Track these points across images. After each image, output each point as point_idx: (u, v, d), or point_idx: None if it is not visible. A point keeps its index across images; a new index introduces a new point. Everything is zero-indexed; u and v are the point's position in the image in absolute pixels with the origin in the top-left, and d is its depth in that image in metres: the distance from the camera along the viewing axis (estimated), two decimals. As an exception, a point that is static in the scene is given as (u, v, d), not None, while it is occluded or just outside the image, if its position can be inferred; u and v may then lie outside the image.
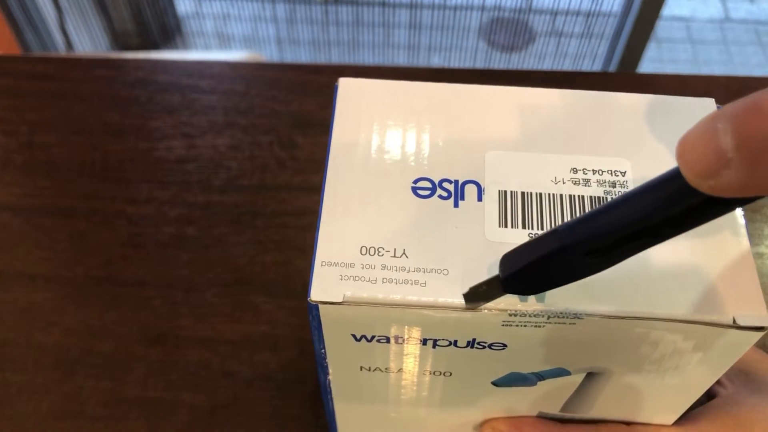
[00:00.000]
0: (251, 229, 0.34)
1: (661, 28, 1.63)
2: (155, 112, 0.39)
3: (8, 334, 0.31)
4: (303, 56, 1.50)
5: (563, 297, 0.16)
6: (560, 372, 0.18)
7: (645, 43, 1.00)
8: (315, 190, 0.35)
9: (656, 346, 0.17)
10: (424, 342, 0.17)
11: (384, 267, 0.16)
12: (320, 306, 0.16)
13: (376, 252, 0.17)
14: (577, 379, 0.19)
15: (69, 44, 1.28)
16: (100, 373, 0.30)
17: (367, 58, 1.50)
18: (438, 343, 0.17)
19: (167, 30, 1.46)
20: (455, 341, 0.17)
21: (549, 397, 0.20)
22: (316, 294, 0.16)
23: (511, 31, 1.43)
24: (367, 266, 0.17)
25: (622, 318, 0.16)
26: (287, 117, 0.38)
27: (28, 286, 0.32)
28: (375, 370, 0.19)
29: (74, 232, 0.34)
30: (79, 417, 0.29)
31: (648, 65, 1.51)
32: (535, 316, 0.16)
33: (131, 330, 0.31)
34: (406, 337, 0.17)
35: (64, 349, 0.30)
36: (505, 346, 0.17)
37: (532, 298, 0.16)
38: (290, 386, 0.29)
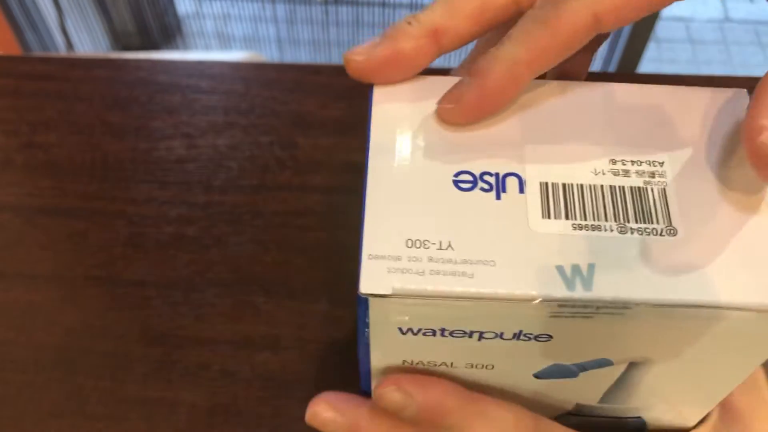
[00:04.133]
0: (251, 229, 0.34)
1: (661, 28, 1.63)
2: (155, 112, 0.39)
3: (8, 334, 0.31)
4: (303, 56, 1.50)
5: (613, 286, 0.16)
6: (603, 363, 0.18)
7: (645, 43, 1.00)
8: (315, 190, 0.35)
9: (701, 335, 0.17)
10: (470, 335, 0.17)
11: (430, 259, 0.17)
12: (370, 299, 0.16)
13: (422, 245, 0.17)
14: (619, 368, 0.19)
15: (69, 44, 1.28)
16: (100, 373, 0.30)
17: (367, 59, 1.49)
18: (484, 335, 0.17)
19: (167, 30, 1.46)
20: (501, 333, 0.17)
21: (588, 388, 0.20)
22: (365, 287, 0.16)
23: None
24: (414, 259, 0.17)
25: (673, 306, 0.16)
26: (287, 117, 0.38)
27: (28, 285, 0.32)
28: (418, 363, 0.19)
29: (74, 232, 0.34)
30: (79, 416, 0.29)
31: (648, 65, 1.51)
32: (584, 306, 0.16)
33: (131, 330, 0.31)
34: (452, 329, 0.17)
35: (64, 348, 0.30)
36: (550, 337, 0.17)
37: (579, 287, 0.16)
38: (290, 386, 0.29)
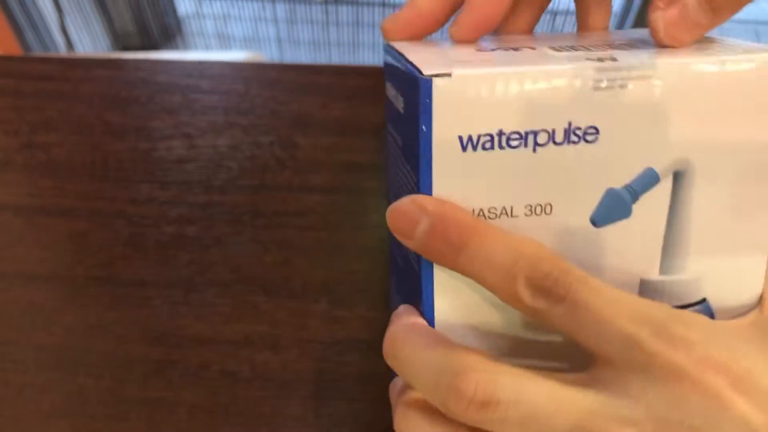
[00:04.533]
0: (251, 229, 0.34)
1: (661, 28, 1.62)
2: (156, 113, 0.39)
3: (9, 334, 0.31)
4: (303, 56, 1.50)
5: (636, 58, 0.18)
6: (650, 177, 0.18)
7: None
8: (315, 190, 0.35)
9: (731, 101, 0.18)
10: (525, 140, 0.17)
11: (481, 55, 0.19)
12: (434, 80, 0.16)
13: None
14: (667, 190, 0.19)
15: (69, 45, 1.28)
16: (100, 373, 0.30)
17: (367, 59, 1.50)
18: (538, 139, 0.17)
19: (168, 30, 1.46)
20: (553, 132, 0.17)
21: (646, 240, 0.19)
22: (427, 70, 0.17)
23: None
24: (464, 61, 0.18)
25: (700, 63, 0.17)
26: (287, 117, 0.38)
27: (28, 285, 0.32)
28: (479, 212, 0.18)
29: (75, 232, 0.34)
30: (79, 416, 0.29)
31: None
32: (617, 70, 0.17)
33: (131, 330, 0.31)
34: (508, 131, 0.17)
35: (65, 348, 0.30)
36: (597, 132, 0.18)
37: (609, 62, 0.17)
38: (290, 386, 0.29)
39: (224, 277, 0.32)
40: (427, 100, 0.17)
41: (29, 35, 1.17)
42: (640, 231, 0.19)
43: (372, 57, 1.50)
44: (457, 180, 0.18)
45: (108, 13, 1.34)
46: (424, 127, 0.17)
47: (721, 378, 0.16)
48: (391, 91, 0.21)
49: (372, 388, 0.29)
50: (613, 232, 0.19)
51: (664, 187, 0.19)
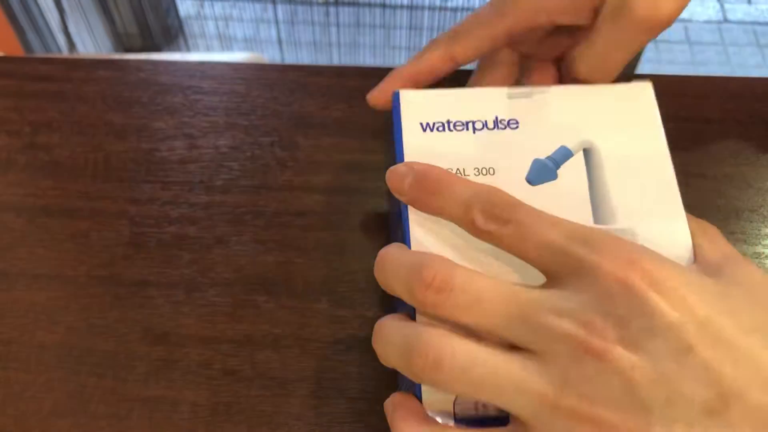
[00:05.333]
0: (252, 229, 0.34)
1: (661, 29, 1.62)
2: (157, 113, 0.39)
3: (11, 333, 0.31)
4: (304, 57, 1.51)
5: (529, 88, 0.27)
6: (564, 151, 0.25)
7: (645, 44, 0.99)
8: (316, 190, 0.36)
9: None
10: (466, 126, 0.25)
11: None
12: (401, 91, 0.26)
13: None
14: (580, 160, 0.25)
15: (71, 45, 1.28)
16: (102, 372, 0.30)
17: (368, 60, 1.50)
18: (475, 125, 0.26)
19: (169, 32, 1.46)
20: (485, 122, 0.26)
21: (575, 200, 0.24)
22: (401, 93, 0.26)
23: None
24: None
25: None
26: (288, 118, 0.39)
27: (30, 285, 0.32)
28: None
29: (77, 231, 0.34)
30: (81, 415, 0.29)
31: (646, 66, 1.51)
32: (522, 91, 0.26)
33: (133, 329, 0.31)
34: (454, 120, 0.26)
35: (67, 348, 0.31)
36: (517, 123, 0.26)
37: (517, 90, 0.26)
38: (291, 385, 0.29)
39: (225, 277, 0.33)
40: (397, 103, 0.26)
41: (31, 36, 1.18)
42: (569, 191, 0.24)
43: (372, 58, 1.50)
44: (422, 151, 0.25)
45: (110, 14, 1.34)
46: (396, 118, 0.26)
47: (637, 274, 0.19)
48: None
49: (372, 387, 0.29)
50: (547, 189, 0.24)
51: (580, 159, 0.25)
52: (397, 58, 1.49)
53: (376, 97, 0.30)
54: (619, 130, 0.25)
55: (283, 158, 0.37)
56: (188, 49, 1.50)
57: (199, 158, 0.37)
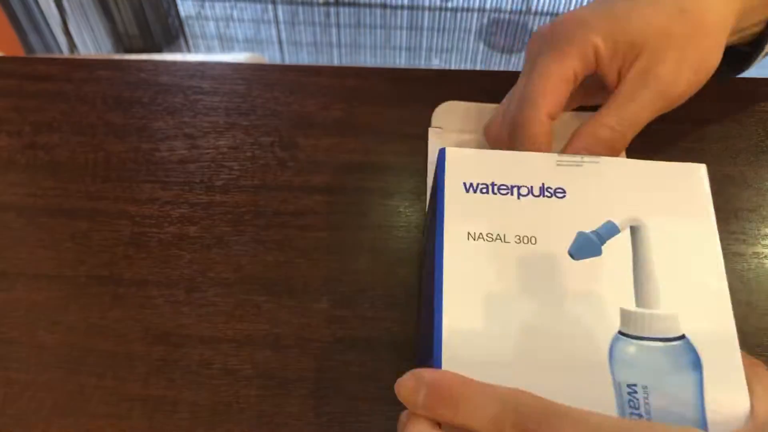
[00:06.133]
0: (252, 229, 0.34)
1: (662, 29, 1.62)
2: (157, 113, 0.39)
3: (12, 333, 0.31)
4: (304, 58, 1.51)
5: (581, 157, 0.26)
6: (611, 227, 0.24)
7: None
8: (316, 190, 0.36)
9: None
10: (511, 190, 0.25)
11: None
12: (447, 150, 0.25)
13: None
14: (627, 238, 0.24)
15: (72, 46, 1.28)
16: (102, 372, 0.30)
17: (368, 60, 1.50)
18: (521, 191, 0.25)
19: (170, 32, 1.46)
20: (531, 188, 0.25)
21: (618, 275, 0.23)
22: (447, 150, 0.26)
23: (510, 32, 1.43)
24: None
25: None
26: (288, 118, 0.39)
27: (31, 285, 0.32)
28: (478, 236, 0.24)
29: (77, 231, 0.34)
30: (81, 415, 0.29)
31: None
32: (572, 159, 0.25)
33: (134, 329, 0.31)
34: (498, 183, 0.25)
35: (67, 347, 0.31)
36: (564, 191, 0.25)
37: (566, 157, 0.25)
38: (291, 384, 0.29)
39: (225, 277, 0.33)
40: (443, 160, 0.25)
41: (32, 36, 1.18)
42: (613, 268, 0.23)
43: (372, 58, 1.50)
44: (463, 211, 0.24)
45: (110, 14, 1.34)
46: (440, 176, 0.25)
47: None
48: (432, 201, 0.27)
49: (372, 387, 0.29)
50: (589, 264, 0.23)
51: (626, 236, 0.24)
52: (397, 59, 1.49)
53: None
54: (669, 211, 0.24)
55: (283, 158, 0.37)
56: (189, 50, 1.50)
57: (199, 158, 0.37)
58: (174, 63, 0.42)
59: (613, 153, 0.30)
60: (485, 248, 0.24)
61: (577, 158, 0.25)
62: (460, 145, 0.37)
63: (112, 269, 0.33)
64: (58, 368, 0.30)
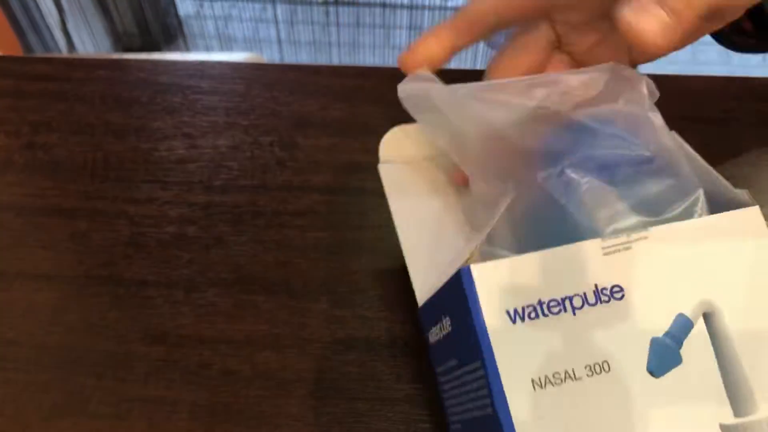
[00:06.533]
0: (252, 229, 0.34)
1: (661, 29, 1.62)
2: (156, 113, 0.39)
3: (10, 334, 0.31)
4: (303, 57, 1.51)
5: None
6: (683, 320, 0.20)
7: (645, 44, 0.99)
8: (315, 190, 0.35)
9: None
10: (563, 304, 0.20)
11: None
12: (471, 267, 0.20)
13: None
14: (703, 332, 0.20)
15: (71, 45, 1.28)
16: (101, 372, 0.30)
17: (368, 59, 1.50)
18: (573, 302, 0.20)
19: (169, 31, 1.46)
20: (585, 295, 0.20)
21: (706, 382, 0.20)
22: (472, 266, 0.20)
23: (510, 32, 1.43)
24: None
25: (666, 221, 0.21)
26: (288, 118, 0.39)
27: (29, 285, 0.32)
28: (546, 384, 0.19)
29: (76, 231, 0.34)
30: (80, 415, 0.29)
31: (647, 66, 1.50)
32: (618, 239, 0.21)
33: (133, 329, 0.31)
34: (546, 299, 0.20)
35: (66, 348, 0.31)
36: (621, 289, 0.20)
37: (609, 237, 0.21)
38: (291, 385, 0.29)
39: (225, 277, 0.32)
40: (469, 283, 0.19)
41: (30, 36, 1.18)
42: (698, 375, 0.20)
43: (372, 58, 1.50)
44: (515, 353, 0.19)
45: (109, 13, 1.34)
46: (473, 311, 0.19)
47: None
48: (433, 331, 0.23)
49: (372, 387, 0.29)
50: (672, 380, 0.20)
51: (702, 329, 0.20)
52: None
53: (407, 58, 0.26)
54: (738, 279, 0.20)
55: (283, 158, 0.37)
56: (187, 49, 1.50)
57: (198, 158, 0.37)
58: (173, 62, 0.42)
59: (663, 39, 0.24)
60: (558, 396, 0.19)
61: (623, 237, 0.21)
62: (429, 181, 0.30)
63: (111, 269, 0.33)
64: (57, 368, 0.30)
